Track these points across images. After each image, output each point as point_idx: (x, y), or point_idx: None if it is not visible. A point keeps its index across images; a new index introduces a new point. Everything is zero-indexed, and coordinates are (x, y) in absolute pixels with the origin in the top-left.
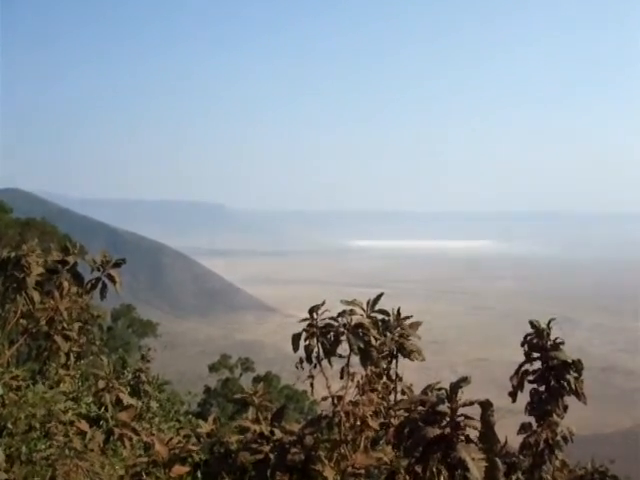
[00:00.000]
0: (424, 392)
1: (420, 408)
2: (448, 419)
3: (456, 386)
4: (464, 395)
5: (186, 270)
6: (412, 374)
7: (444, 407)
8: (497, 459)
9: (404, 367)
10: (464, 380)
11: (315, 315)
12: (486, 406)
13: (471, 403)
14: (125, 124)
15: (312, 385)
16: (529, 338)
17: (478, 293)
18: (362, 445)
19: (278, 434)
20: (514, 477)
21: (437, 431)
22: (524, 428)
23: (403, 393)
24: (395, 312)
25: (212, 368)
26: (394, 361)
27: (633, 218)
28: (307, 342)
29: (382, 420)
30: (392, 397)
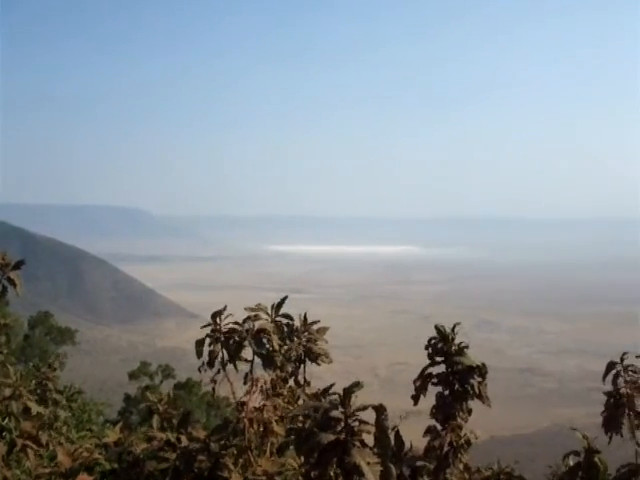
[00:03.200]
0: (318, 398)
1: (315, 414)
2: (343, 424)
3: (349, 391)
4: (384, 398)
5: (106, 276)
6: (334, 378)
7: (339, 412)
8: (391, 464)
9: (325, 371)
10: (357, 385)
11: (218, 320)
12: (380, 410)
13: (364, 408)
14: (41, 127)
15: (214, 390)
16: (433, 342)
17: (400, 297)
18: (268, 451)
19: (184, 441)
20: None
21: (332, 437)
22: (429, 431)
23: (312, 398)
24: (302, 316)
25: (132, 376)
26: (302, 366)
27: (554, 223)
28: (211, 347)
29: (289, 425)
30: (301, 402)
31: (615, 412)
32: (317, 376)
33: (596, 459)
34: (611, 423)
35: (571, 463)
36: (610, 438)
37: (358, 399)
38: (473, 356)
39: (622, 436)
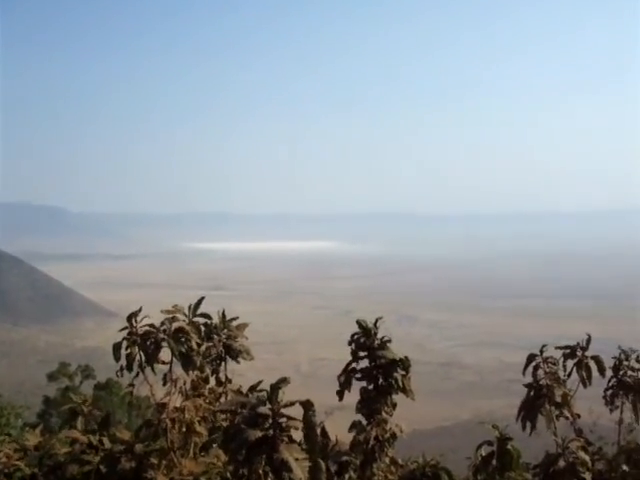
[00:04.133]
0: (245, 394)
1: (243, 410)
2: (270, 421)
3: (276, 387)
4: (307, 394)
5: (23, 275)
6: (257, 375)
7: (266, 409)
8: (320, 460)
9: (247, 369)
10: (283, 381)
11: (134, 322)
12: (307, 406)
13: (292, 404)
14: None
15: (132, 393)
16: (356, 337)
17: (321, 293)
18: (191, 451)
19: (107, 443)
20: (346, 476)
21: (259, 433)
22: (354, 426)
23: (237, 394)
24: (221, 314)
25: (51, 377)
26: (222, 363)
27: (473, 218)
28: (128, 350)
29: (211, 425)
30: (223, 401)
31: (534, 403)
32: (239, 373)
33: (509, 447)
34: (529, 414)
35: (484, 453)
36: (531, 429)
37: (283, 395)
38: (396, 350)
39: (535, 428)
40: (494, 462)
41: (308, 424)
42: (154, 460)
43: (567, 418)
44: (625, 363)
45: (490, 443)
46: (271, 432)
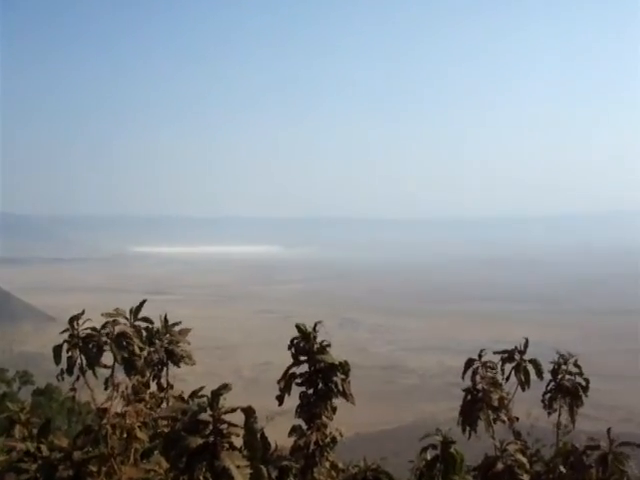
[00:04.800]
0: (186, 400)
1: (183, 417)
2: (211, 427)
3: (217, 393)
4: (249, 399)
5: None
6: (198, 380)
7: (207, 415)
8: (262, 466)
9: (189, 373)
10: (225, 387)
11: (76, 325)
12: (249, 413)
13: (233, 410)
14: None
15: (74, 398)
16: (296, 342)
17: (264, 297)
18: (132, 458)
19: (45, 451)
20: None
21: (200, 440)
22: (294, 430)
23: (177, 401)
24: (163, 319)
25: None
26: (164, 368)
27: (412, 223)
28: (69, 353)
29: (153, 431)
30: (165, 406)
31: (472, 407)
32: (181, 378)
33: (452, 450)
34: (468, 418)
35: (428, 457)
36: (470, 433)
37: (224, 400)
38: (335, 354)
39: (475, 432)
40: (438, 465)
41: (249, 430)
42: (93, 467)
43: (504, 422)
44: (563, 367)
45: (434, 447)
46: (212, 439)
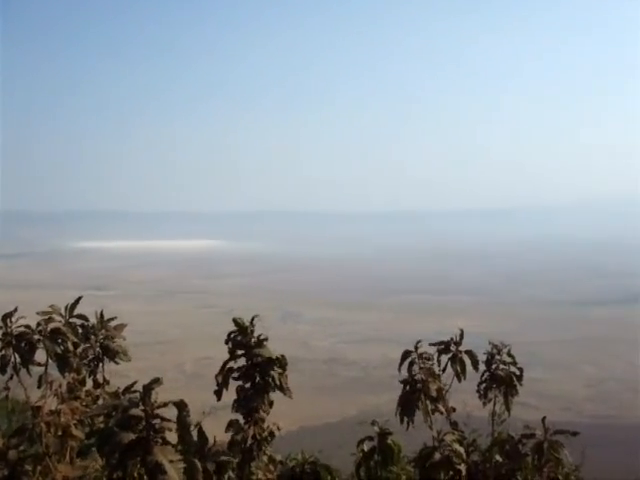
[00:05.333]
0: (118, 396)
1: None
2: (144, 423)
3: (148, 388)
4: (192, 394)
5: None
6: (140, 376)
7: (139, 411)
8: (196, 460)
9: (130, 369)
10: (156, 381)
11: (9, 322)
12: (181, 407)
13: (165, 404)
14: None
15: (7, 397)
16: (233, 335)
17: (207, 292)
18: (67, 456)
19: None
20: (225, 476)
21: (132, 436)
22: (232, 425)
23: (112, 397)
24: (99, 314)
25: None
26: (100, 364)
27: (356, 216)
28: (2, 351)
29: (89, 428)
30: (101, 403)
31: (410, 398)
32: (123, 374)
33: (389, 442)
34: (406, 409)
35: (366, 448)
36: (408, 423)
37: (166, 395)
38: (278, 348)
39: (413, 422)
40: (376, 457)
41: (182, 425)
42: (28, 467)
43: (442, 412)
44: (497, 357)
45: (371, 438)
46: (144, 434)
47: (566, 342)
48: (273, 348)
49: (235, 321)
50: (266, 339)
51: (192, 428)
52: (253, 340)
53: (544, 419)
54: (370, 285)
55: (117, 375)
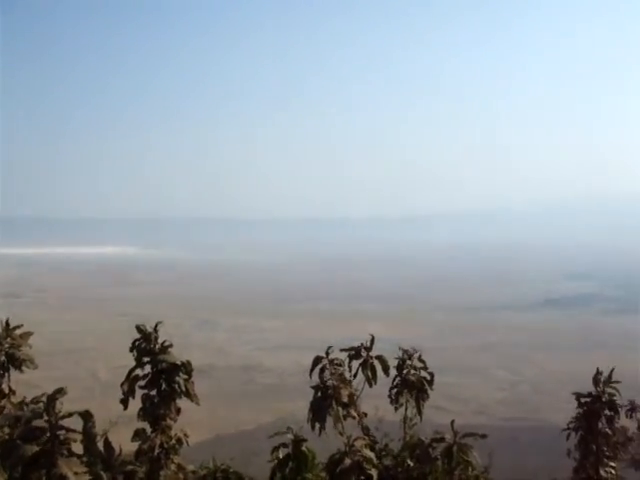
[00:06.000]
0: (21, 407)
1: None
2: (48, 434)
3: (52, 398)
4: (106, 403)
5: None
6: (54, 386)
7: (43, 422)
8: (101, 472)
9: (43, 379)
10: (60, 391)
11: None
12: (87, 417)
13: (70, 415)
14: None
15: None
16: (137, 343)
17: (120, 299)
18: None
19: None
20: None
21: (36, 448)
22: (138, 434)
23: (17, 408)
24: (4, 323)
25: None
26: (6, 374)
27: (267, 223)
28: None
29: None
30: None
31: (321, 404)
32: (35, 384)
33: (303, 448)
34: (317, 415)
35: (280, 455)
36: (320, 429)
37: (81, 405)
38: (197, 355)
39: (324, 428)
40: (290, 464)
41: (87, 436)
42: None
43: (354, 417)
44: (408, 362)
45: (286, 445)
46: (49, 446)
47: (479, 347)
48: (189, 356)
49: (138, 328)
50: (170, 345)
51: (98, 438)
52: (157, 347)
53: (453, 423)
54: (284, 292)
55: (28, 385)
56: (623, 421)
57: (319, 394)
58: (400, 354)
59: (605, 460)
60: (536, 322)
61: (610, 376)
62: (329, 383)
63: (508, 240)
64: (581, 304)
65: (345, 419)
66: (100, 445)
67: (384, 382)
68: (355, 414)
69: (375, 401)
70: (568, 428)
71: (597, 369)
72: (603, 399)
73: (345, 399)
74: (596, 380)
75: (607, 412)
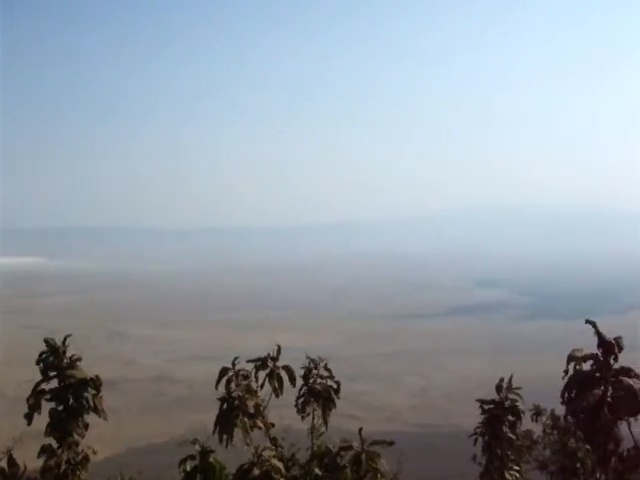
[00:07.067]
0: None
1: None
2: None
3: None
4: (14, 420)
5: None
6: None
7: None
8: None
9: None
10: None
11: None
12: None
13: None
14: None
15: None
16: (44, 356)
17: (26, 311)
18: None
19: None
20: None
21: None
22: (44, 450)
23: None
24: None
25: None
26: None
27: (189, 233)
28: None
29: None
30: None
31: (228, 416)
32: None
33: (211, 460)
34: (224, 426)
35: (188, 468)
36: (227, 441)
37: None
38: (107, 367)
39: (232, 440)
40: (198, 476)
41: None
42: None
43: (260, 428)
44: (314, 371)
45: (193, 457)
46: None
47: (390, 354)
48: (98, 368)
49: (47, 341)
50: (79, 359)
51: (1, 456)
52: (65, 361)
53: (360, 430)
54: (196, 301)
55: None
56: (530, 425)
57: (225, 406)
58: (307, 363)
59: (509, 464)
60: (447, 329)
61: (510, 382)
62: (235, 394)
63: (421, 249)
64: (490, 311)
65: (252, 430)
66: (4, 462)
67: (295, 392)
68: (262, 424)
69: (285, 411)
70: (475, 434)
71: (501, 378)
72: (506, 405)
73: (251, 410)
74: (499, 387)
75: (510, 418)
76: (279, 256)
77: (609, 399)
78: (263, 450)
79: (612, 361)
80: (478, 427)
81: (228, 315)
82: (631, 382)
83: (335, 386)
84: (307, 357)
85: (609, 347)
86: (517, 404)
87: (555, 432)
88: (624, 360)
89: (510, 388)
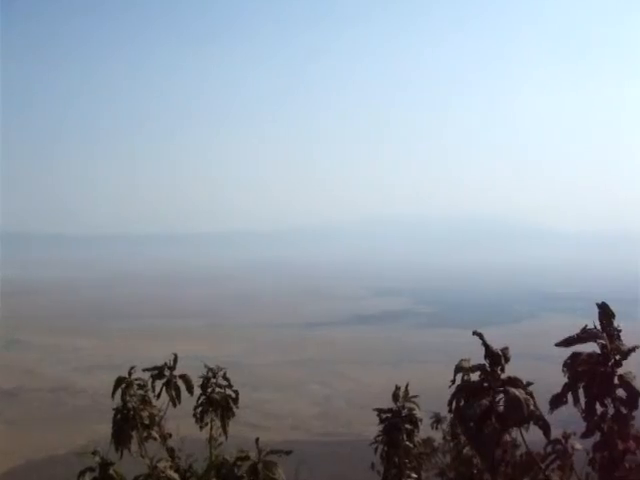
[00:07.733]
0: None
1: None
2: None
3: None
4: None
5: None
6: None
7: None
8: None
9: None
10: None
11: None
12: None
13: None
14: None
15: None
16: None
17: None
18: None
19: None
20: None
21: None
22: None
23: None
24: None
25: None
26: None
27: (93, 240)
28: None
29: None
30: None
31: (124, 426)
32: None
33: (111, 471)
34: (120, 437)
35: None
36: (122, 452)
37: None
38: (4, 377)
39: (130, 450)
40: None
41: None
42: None
43: (155, 439)
44: (213, 381)
45: (92, 469)
46: None
47: (294, 363)
48: None
49: None
50: None
51: None
52: None
53: (257, 440)
54: (98, 309)
55: None
56: (430, 432)
57: (119, 416)
58: (205, 372)
59: (407, 472)
60: (348, 337)
61: (407, 390)
62: (129, 405)
63: (320, 257)
64: (392, 319)
65: (147, 440)
66: None
67: (194, 401)
68: (157, 435)
69: (184, 420)
70: (375, 442)
71: (397, 386)
72: (403, 414)
73: (146, 420)
74: (395, 395)
75: (407, 426)
76: (180, 264)
77: (498, 408)
78: (158, 461)
79: (499, 371)
80: (378, 435)
81: (133, 323)
82: (517, 392)
83: (234, 395)
84: (205, 366)
85: (496, 358)
86: (414, 412)
87: (453, 440)
88: (511, 370)
89: (407, 396)
